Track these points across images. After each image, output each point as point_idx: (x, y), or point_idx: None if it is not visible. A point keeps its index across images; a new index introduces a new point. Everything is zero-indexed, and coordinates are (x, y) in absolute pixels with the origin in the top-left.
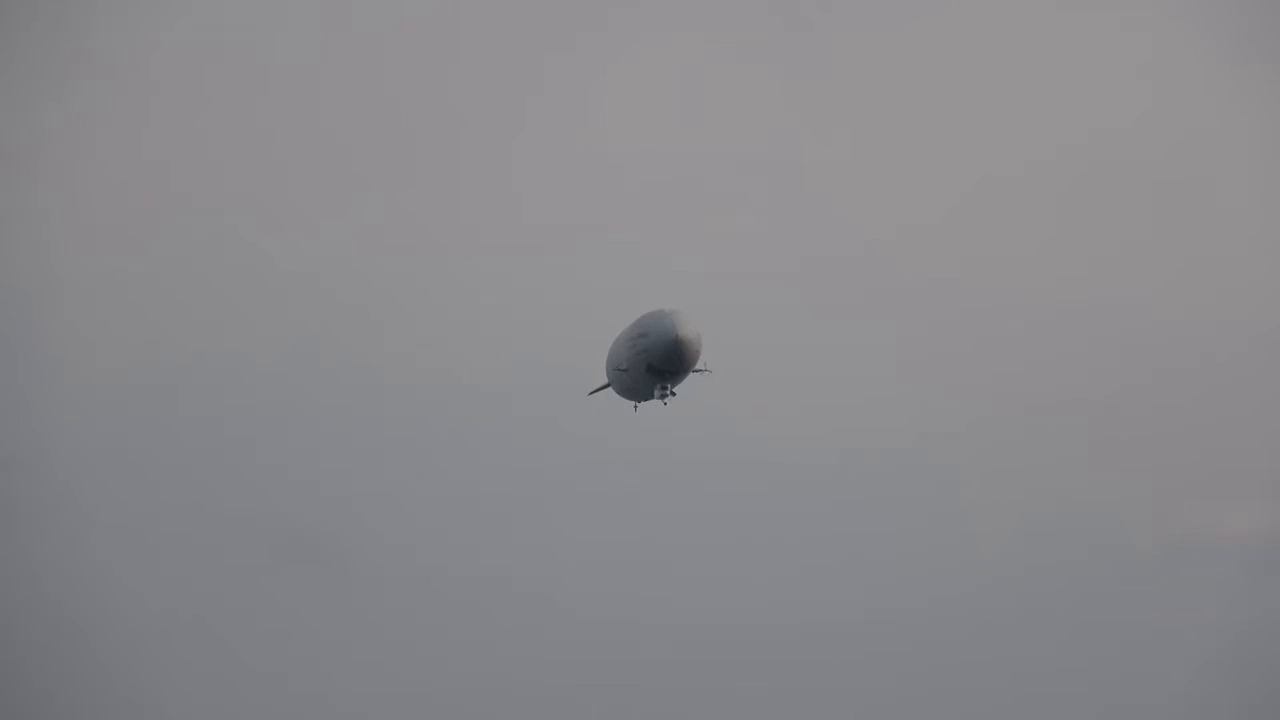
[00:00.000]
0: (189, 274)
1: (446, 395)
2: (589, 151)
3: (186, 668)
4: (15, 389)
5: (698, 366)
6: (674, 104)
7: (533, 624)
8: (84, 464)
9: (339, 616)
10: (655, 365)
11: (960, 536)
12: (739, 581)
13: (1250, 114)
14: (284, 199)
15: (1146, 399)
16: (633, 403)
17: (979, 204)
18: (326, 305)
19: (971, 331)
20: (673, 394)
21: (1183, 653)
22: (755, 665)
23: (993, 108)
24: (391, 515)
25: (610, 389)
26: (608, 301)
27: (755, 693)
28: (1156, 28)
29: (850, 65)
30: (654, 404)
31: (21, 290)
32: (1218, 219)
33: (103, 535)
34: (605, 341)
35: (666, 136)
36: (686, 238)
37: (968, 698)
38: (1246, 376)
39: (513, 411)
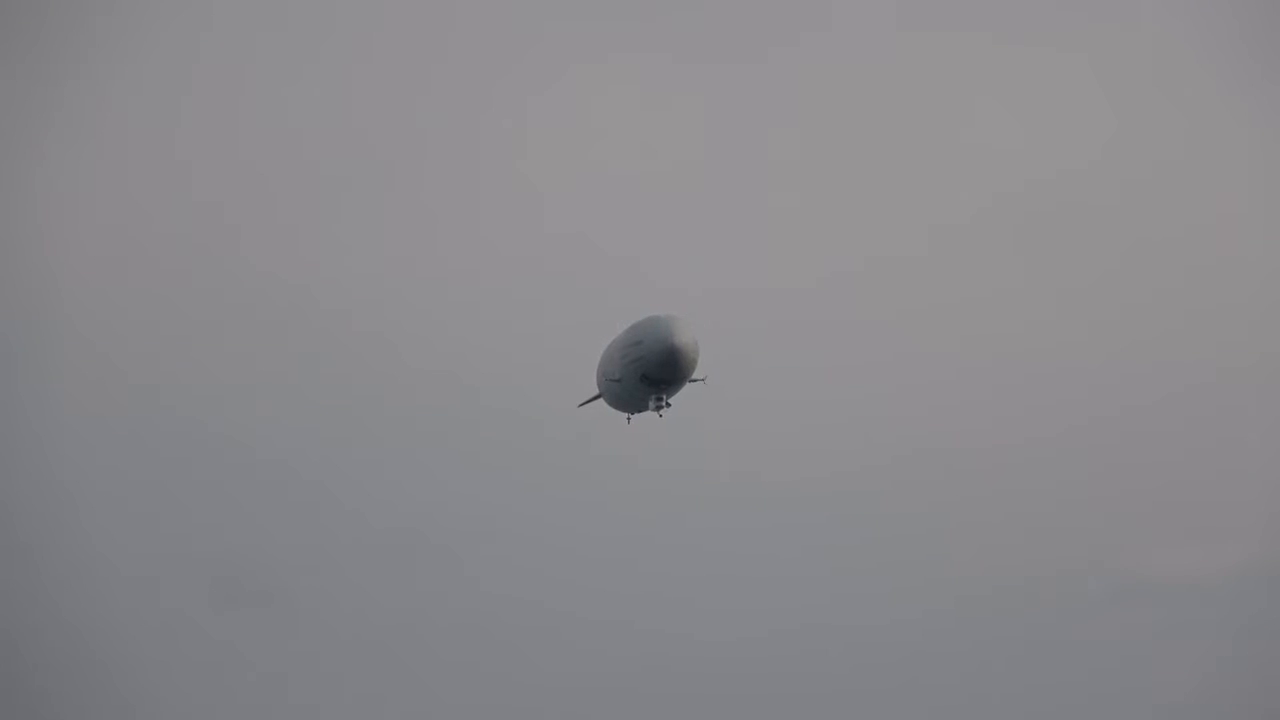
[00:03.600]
0: (192, 282)
1: (447, 402)
2: (576, 166)
3: (186, 670)
4: (15, 392)
5: (694, 375)
6: (643, 131)
7: (533, 628)
8: (84, 466)
9: (341, 620)
10: (650, 375)
11: (941, 559)
12: (734, 589)
13: (1223, 133)
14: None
15: (1125, 427)
16: (625, 415)
17: (950, 239)
18: (322, 318)
19: (943, 365)
20: (668, 405)
21: (1155, 683)
22: (748, 675)
23: (956, 144)
24: (392, 523)
25: (602, 400)
26: (595, 311)
27: (753, 696)
28: (1094, 51)
29: (805, 101)
30: (648, 415)
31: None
32: (1183, 243)
33: (102, 538)
34: (595, 351)
35: (641, 162)
36: (665, 258)
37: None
38: (1219, 410)
39: (499, 425)
